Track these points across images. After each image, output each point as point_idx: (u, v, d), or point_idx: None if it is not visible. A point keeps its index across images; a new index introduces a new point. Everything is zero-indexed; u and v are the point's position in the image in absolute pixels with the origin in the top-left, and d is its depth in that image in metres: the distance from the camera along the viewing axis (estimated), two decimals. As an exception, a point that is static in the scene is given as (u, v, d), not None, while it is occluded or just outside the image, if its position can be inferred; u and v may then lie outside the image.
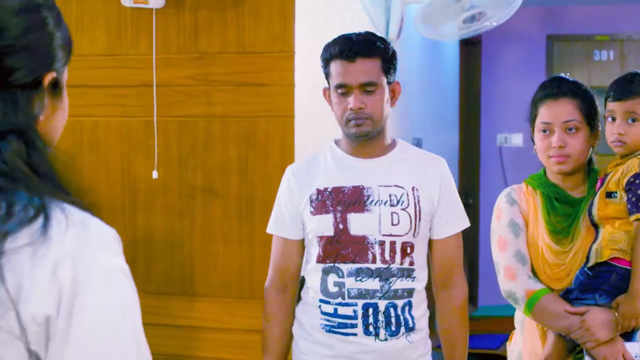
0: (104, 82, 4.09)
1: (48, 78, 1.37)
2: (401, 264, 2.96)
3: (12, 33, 1.31)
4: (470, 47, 8.48)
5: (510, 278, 3.01)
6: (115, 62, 4.09)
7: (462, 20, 4.51)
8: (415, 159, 3.10)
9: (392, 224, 2.95)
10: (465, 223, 3.12)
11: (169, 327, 4.03)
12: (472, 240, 7.88)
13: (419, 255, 3.01)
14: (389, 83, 3.00)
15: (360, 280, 2.94)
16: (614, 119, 2.98)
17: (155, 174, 3.97)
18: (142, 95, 4.02)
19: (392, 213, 2.96)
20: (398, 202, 2.97)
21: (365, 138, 2.99)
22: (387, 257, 2.94)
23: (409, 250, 2.97)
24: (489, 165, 8.59)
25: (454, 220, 3.07)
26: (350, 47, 2.95)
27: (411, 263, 2.98)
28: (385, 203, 2.97)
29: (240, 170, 3.93)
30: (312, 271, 3.04)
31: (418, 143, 6.20)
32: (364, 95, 2.95)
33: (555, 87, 3.06)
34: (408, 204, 2.98)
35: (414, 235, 2.98)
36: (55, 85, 1.39)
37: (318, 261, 3.01)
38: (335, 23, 4.43)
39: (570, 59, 8.47)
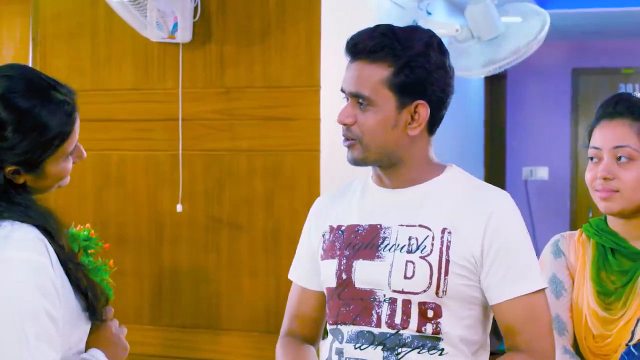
0: (130, 116, 4.12)
1: (7, 168, 1.99)
2: (419, 330, 2.15)
3: None
4: (496, 81, 8.49)
5: None
6: (141, 96, 4.12)
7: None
8: (462, 191, 2.24)
9: (405, 277, 2.16)
10: (535, 283, 2.18)
11: (195, 361, 4.03)
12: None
13: (454, 323, 2.18)
14: (403, 103, 2.18)
15: (359, 348, 2.20)
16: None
17: (179, 207, 3.99)
18: (168, 129, 4.04)
19: (406, 262, 2.17)
20: (418, 247, 2.17)
21: (363, 166, 2.25)
22: (396, 320, 2.17)
23: (430, 314, 2.16)
24: (514, 199, 8.53)
25: (514, 278, 2.17)
26: (354, 41, 2.20)
27: (436, 332, 2.16)
28: (401, 248, 2.18)
29: (266, 205, 3.93)
30: (328, 334, 2.33)
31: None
32: (358, 109, 2.19)
33: (612, 106, 2.35)
34: (431, 251, 2.16)
35: (437, 293, 2.15)
36: (32, 169, 1.99)
37: (328, 321, 2.32)
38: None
39: (596, 92, 8.45)
